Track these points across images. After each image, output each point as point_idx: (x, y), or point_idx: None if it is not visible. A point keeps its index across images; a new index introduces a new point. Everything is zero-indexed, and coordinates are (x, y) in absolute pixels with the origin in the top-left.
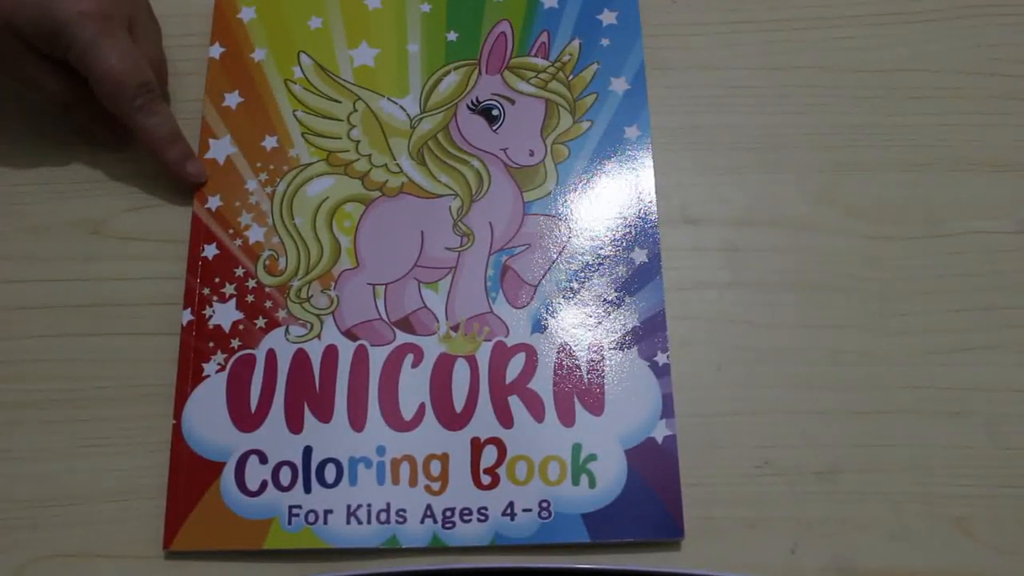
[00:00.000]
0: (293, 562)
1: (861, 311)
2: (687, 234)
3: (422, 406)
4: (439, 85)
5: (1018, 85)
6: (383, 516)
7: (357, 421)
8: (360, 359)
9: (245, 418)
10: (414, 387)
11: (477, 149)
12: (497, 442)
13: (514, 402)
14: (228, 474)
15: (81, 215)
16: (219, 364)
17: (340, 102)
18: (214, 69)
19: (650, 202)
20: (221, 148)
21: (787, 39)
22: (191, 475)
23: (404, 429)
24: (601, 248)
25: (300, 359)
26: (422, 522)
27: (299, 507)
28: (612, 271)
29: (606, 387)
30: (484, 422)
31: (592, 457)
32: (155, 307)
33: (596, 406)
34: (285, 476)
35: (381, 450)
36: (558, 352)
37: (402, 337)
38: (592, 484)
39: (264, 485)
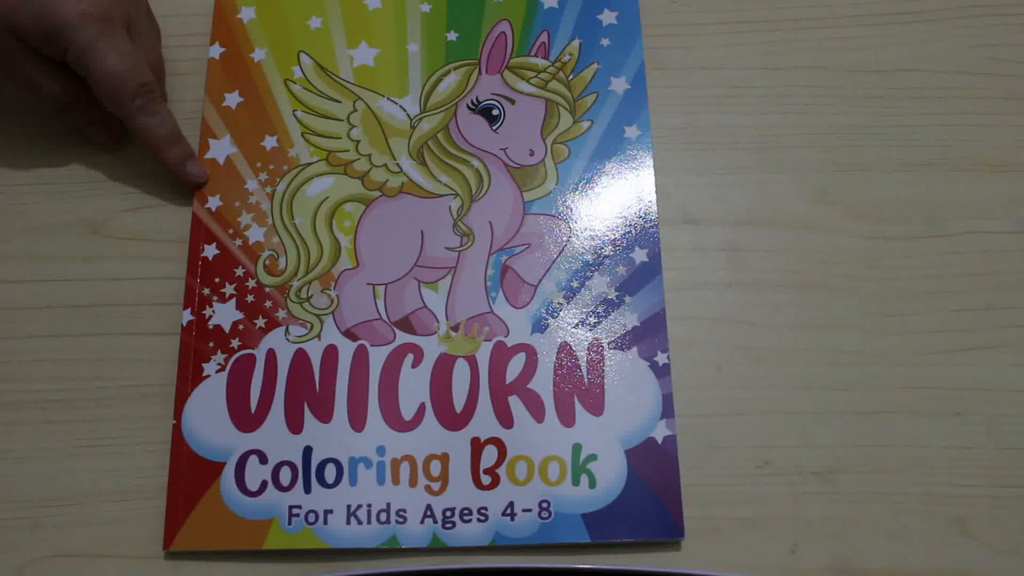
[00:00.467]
0: (293, 562)
1: (861, 311)
2: (687, 234)
3: (422, 406)
4: (439, 85)
5: (1018, 85)
6: (383, 516)
7: (357, 421)
8: (360, 359)
9: (245, 418)
10: (414, 387)
11: (477, 149)
12: (497, 442)
13: (514, 402)
14: (228, 474)
15: (81, 215)
16: (219, 364)
17: (340, 102)
18: (214, 69)
19: (650, 202)
20: (221, 148)
21: (787, 39)
22: (191, 475)
23: (404, 429)
24: (601, 248)
25: (300, 359)
26: (422, 522)
27: (299, 507)
28: (612, 271)
29: (606, 387)
30: (484, 422)
31: (592, 457)
32: (155, 307)
33: (596, 406)
34: (285, 476)
35: (381, 450)
36: (558, 352)
37: (402, 337)
38: (592, 484)
39: (264, 485)
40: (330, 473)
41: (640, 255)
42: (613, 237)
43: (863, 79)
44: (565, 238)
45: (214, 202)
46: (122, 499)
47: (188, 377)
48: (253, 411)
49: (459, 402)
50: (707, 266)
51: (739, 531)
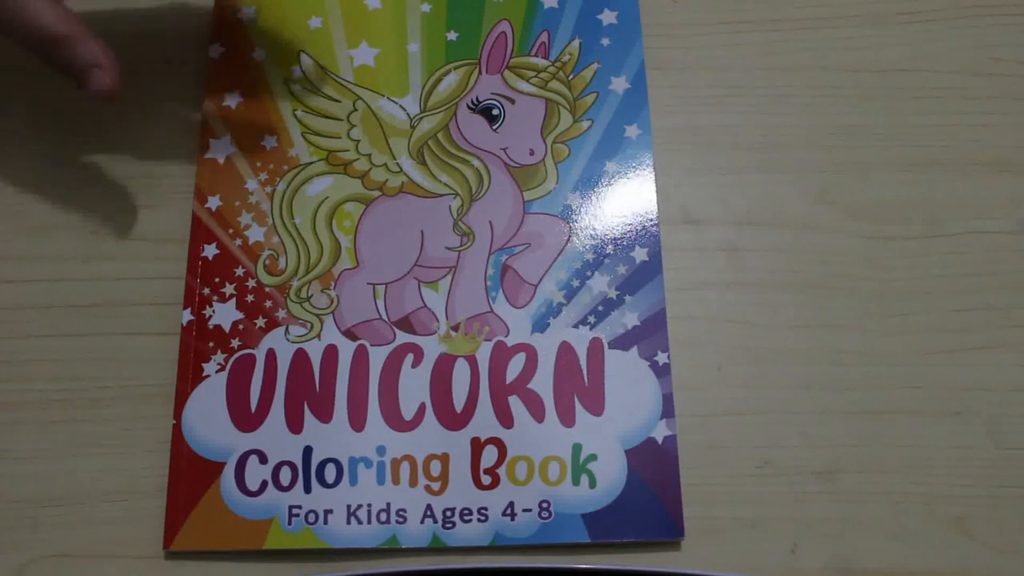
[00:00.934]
0: (293, 562)
1: (861, 311)
2: (687, 234)
3: (422, 406)
4: (439, 85)
5: (1018, 85)
6: (383, 516)
7: (357, 421)
8: (360, 359)
9: (245, 418)
10: (414, 387)
11: (477, 148)
12: (497, 442)
13: (514, 402)
14: (228, 474)
15: (81, 215)
16: (219, 364)
17: (340, 102)
18: (214, 69)
19: (650, 201)
20: (221, 148)
21: (787, 39)
22: (191, 475)
23: (404, 429)
24: (601, 247)
25: (300, 359)
26: (422, 522)
27: (299, 507)
28: (612, 270)
29: (606, 387)
30: (484, 422)
31: (592, 457)
32: (155, 307)
33: (596, 406)
34: (285, 476)
35: (381, 450)
36: (558, 352)
37: (402, 337)
38: (592, 484)
39: (264, 485)
40: (330, 473)
41: (640, 254)
42: (613, 236)
43: (863, 79)
44: (565, 237)
45: (214, 202)
46: (122, 499)
47: (188, 377)
48: (253, 411)
49: (459, 402)
50: (707, 266)
51: (739, 531)
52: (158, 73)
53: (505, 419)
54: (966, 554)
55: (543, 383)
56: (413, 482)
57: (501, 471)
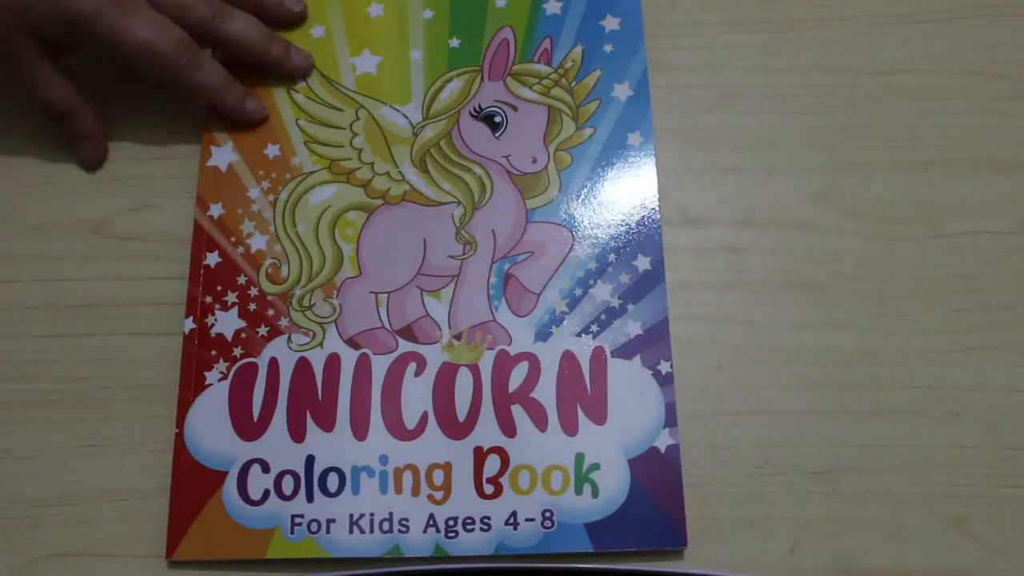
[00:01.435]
0: (295, 571)
1: (861, 311)
2: (687, 234)
3: (425, 415)
4: (441, 92)
5: (1018, 85)
6: (386, 525)
7: (359, 430)
8: (362, 368)
9: (247, 427)
10: (417, 396)
11: (480, 156)
12: (500, 451)
13: (517, 411)
14: (230, 483)
15: (81, 215)
16: (221, 373)
17: (342, 110)
18: None
19: (653, 209)
20: (223, 156)
21: (787, 39)
22: (193, 484)
23: (407, 438)
24: (604, 255)
25: (302, 368)
26: (425, 531)
27: (301, 516)
28: (615, 278)
29: (609, 396)
30: (487, 431)
31: (595, 466)
32: (155, 307)
33: (599, 415)
34: (287, 485)
35: (384, 459)
36: (561, 361)
37: (405, 346)
38: (595, 493)
39: (266, 494)
40: (332, 482)
41: (643, 263)
42: (616, 244)
43: (863, 79)
44: (568, 246)
45: (216, 210)
46: (122, 499)
47: (190, 385)
48: (255, 420)
49: (462, 411)
50: (707, 266)
51: (739, 531)
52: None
53: (508, 428)
54: (966, 554)
55: (546, 392)
56: (416, 491)
57: (504, 480)
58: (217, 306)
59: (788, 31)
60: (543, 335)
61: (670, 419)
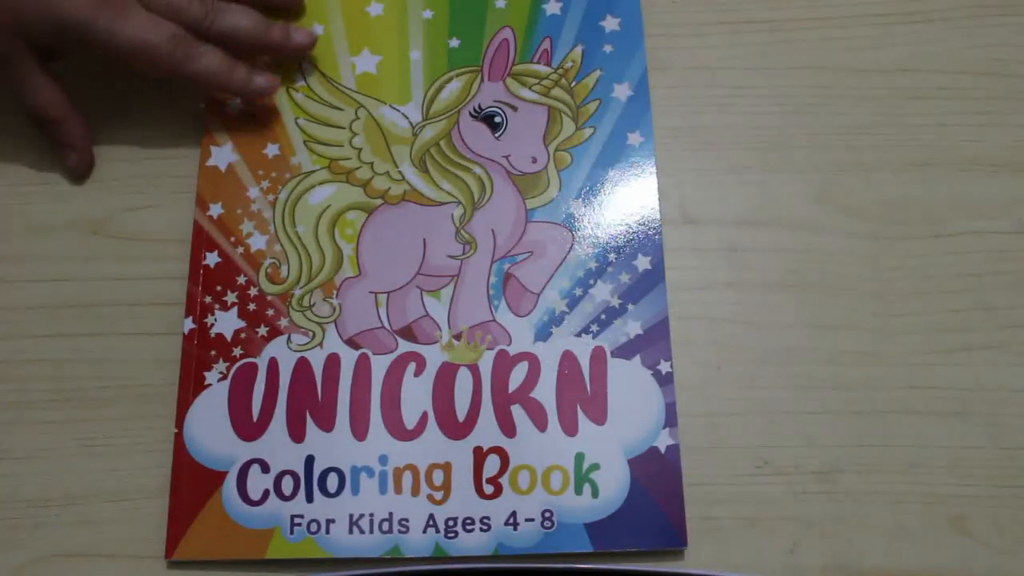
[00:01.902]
0: (295, 572)
1: (861, 311)
2: (687, 234)
3: (424, 415)
4: (441, 92)
5: (1018, 85)
6: (385, 526)
7: (359, 430)
8: (362, 368)
9: (247, 427)
10: (416, 396)
11: (479, 156)
12: (500, 451)
13: (517, 411)
14: (230, 483)
15: (81, 215)
16: (221, 373)
17: (342, 110)
18: None
19: (653, 209)
20: (223, 155)
21: (787, 39)
22: (193, 484)
23: (406, 438)
24: (604, 255)
25: (302, 368)
26: (424, 532)
27: (301, 516)
28: (615, 278)
29: (609, 396)
30: (487, 431)
31: (595, 466)
32: (155, 307)
33: (599, 415)
34: (287, 485)
35: (383, 459)
36: (561, 360)
37: (404, 346)
38: (595, 494)
39: (266, 494)
40: (332, 482)
41: (643, 262)
42: (616, 244)
43: (863, 79)
44: (568, 246)
45: (216, 209)
46: (122, 499)
47: (190, 386)
48: (255, 420)
49: (461, 411)
50: (707, 266)
51: (739, 531)
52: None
53: (507, 428)
54: (966, 554)
55: (545, 392)
56: (415, 491)
57: (503, 480)
58: (217, 306)
59: (788, 31)
60: (543, 335)
61: (670, 419)
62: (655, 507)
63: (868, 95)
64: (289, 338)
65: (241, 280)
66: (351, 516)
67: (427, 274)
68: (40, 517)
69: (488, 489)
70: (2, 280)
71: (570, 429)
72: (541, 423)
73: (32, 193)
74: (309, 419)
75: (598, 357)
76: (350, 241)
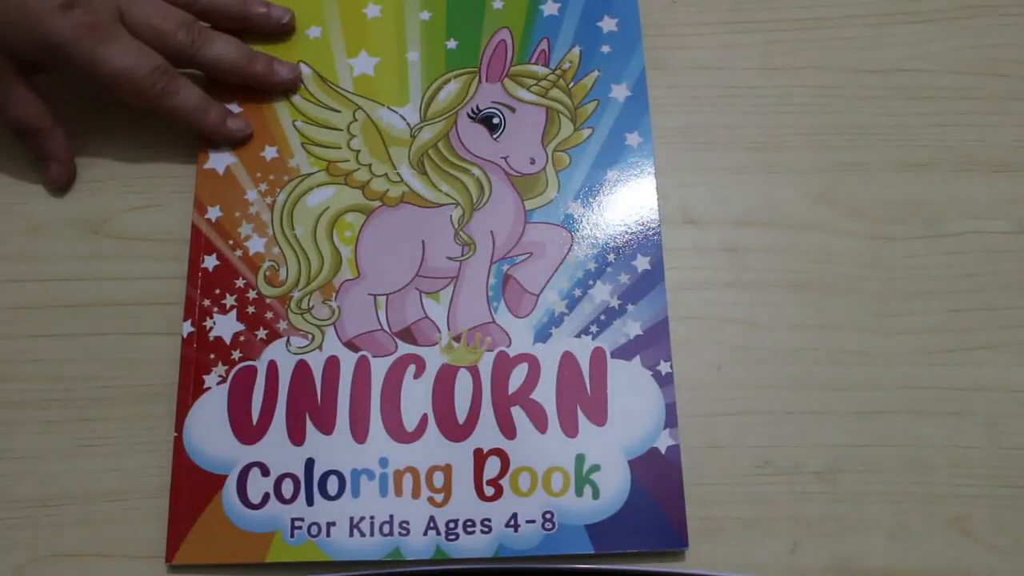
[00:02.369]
0: (296, 575)
1: (861, 311)
2: (687, 234)
3: (424, 417)
4: (439, 94)
5: (1018, 85)
6: (386, 528)
7: (359, 433)
8: (362, 370)
9: (247, 430)
10: (416, 398)
11: (478, 157)
12: (500, 453)
13: (517, 413)
14: (230, 487)
15: (81, 215)
16: (220, 376)
17: (340, 112)
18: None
19: (652, 209)
20: (220, 158)
21: (787, 39)
22: (193, 488)
23: (406, 440)
24: (603, 255)
25: (301, 370)
26: (425, 534)
27: (301, 520)
28: (614, 279)
29: (609, 397)
30: (487, 433)
31: (595, 468)
32: (155, 307)
33: (599, 416)
34: (287, 488)
35: (384, 462)
36: (560, 362)
37: (404, 348)
38: (596, 495)
39: (266, 498)
40: (332, 485)
41: (643, 263)
42: (615, 245)
43: (863, 79)
44: (567, 247)
45: (214, 212)
46: (122, 499)
47: (189, 389)
48: (255, 423)
49: (461, 413)
50: (707, 266)
51: (739, 531)
52: None
53: (508, 430)
54: (966, 554)
55: (545, 393)
56: (416, 494)
57: (504, 482)
58: (215, 309)
59: (788, 31)
60: (542, 336)
61: (670, 420)
62: (656, 508)
63: (868, 95)
64: (288, 341)
65: (240, 283)
66: (351, 519)
67: (426, 276)
68: (40, 517)
69: (489, 491)
70: (2, 280)
71: (570, 430)
72: (541, 424)
73: (32, 193)
74: (309, 422)
75: (598, 358)
76: (349, 243)
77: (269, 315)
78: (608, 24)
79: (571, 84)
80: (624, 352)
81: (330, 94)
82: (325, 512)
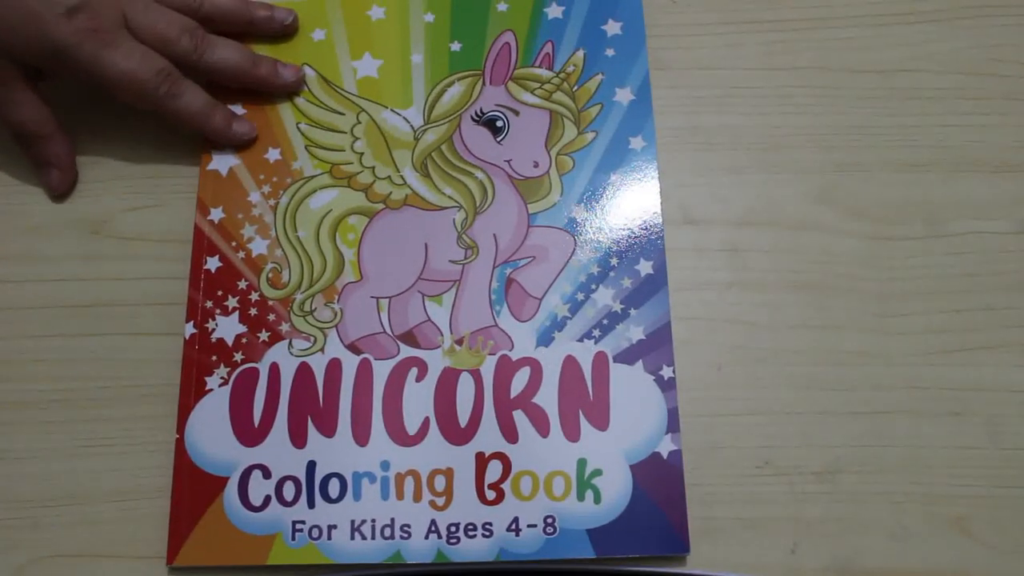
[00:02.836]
0: None
1: (861, 311)
2: (687, 235)
3: (426, 420)
4: (443, 96)
5: (1018, 85)
6: (387, 531)
7: (361, 435)
8: (364, 373)
9: (248, 432)
10: (418, 401)
11: (481, 160)
12: (502, 457)
13: (519, 416)
14: (231, 489)
15: (81, 215)
16: (222, 378)
17: (343, 114)
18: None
19: (655, 213)
20: (224, 160)
21: (787, 39)
22: (194, 490)
23: (408, 444)
24: (606, 260)
25: (303, 373)
26: (426, 538)
27: (303, 522)
28: (617, 283)
29: (611, 401)
30: (489, 437)
31: (597, 472)
32: (155, 307)
33: (601, 421)
34: (288, 491)
35: (385, 465)
36: (563, 366)
37: (406, 351)
38: (597, 499)
39: (267, 500)
40: (334, 488)
41: (646, 267)
42: (618, 249)
43: (863, 79)
44: (570, 250)
45: (216, 214)
46: (122, 499)
47: (191, 391)
48: (256, 425)
49: (463, 416)
50: (707, 266)
51: (739, 531)
52: None
53: (509, 434)
54: (966, 554)
55: (548, 397)
56: (417, 497)
57: (506, 486)
58: (218, 311)
59: (788, 31)
60: (545, 340)
61: (672, 425)
62: (658, 513)
63: (868, 95)
64: (290, 343)
65: (242, 285)
66: (353, 522)
67: (429, 279)
68: (40, 517)
69: (490, 495)
70: (2, 280)
71: (572, 435)
72: (543, 428)
73: (32, 193)
74: (311, 424)
75: (600, 362)
76: (351, 246)
77: (271, 317)
78: (612, 28)
79: (575, 87)
80: (626, 356)
81: (334, 96)
82: (326, 515)
